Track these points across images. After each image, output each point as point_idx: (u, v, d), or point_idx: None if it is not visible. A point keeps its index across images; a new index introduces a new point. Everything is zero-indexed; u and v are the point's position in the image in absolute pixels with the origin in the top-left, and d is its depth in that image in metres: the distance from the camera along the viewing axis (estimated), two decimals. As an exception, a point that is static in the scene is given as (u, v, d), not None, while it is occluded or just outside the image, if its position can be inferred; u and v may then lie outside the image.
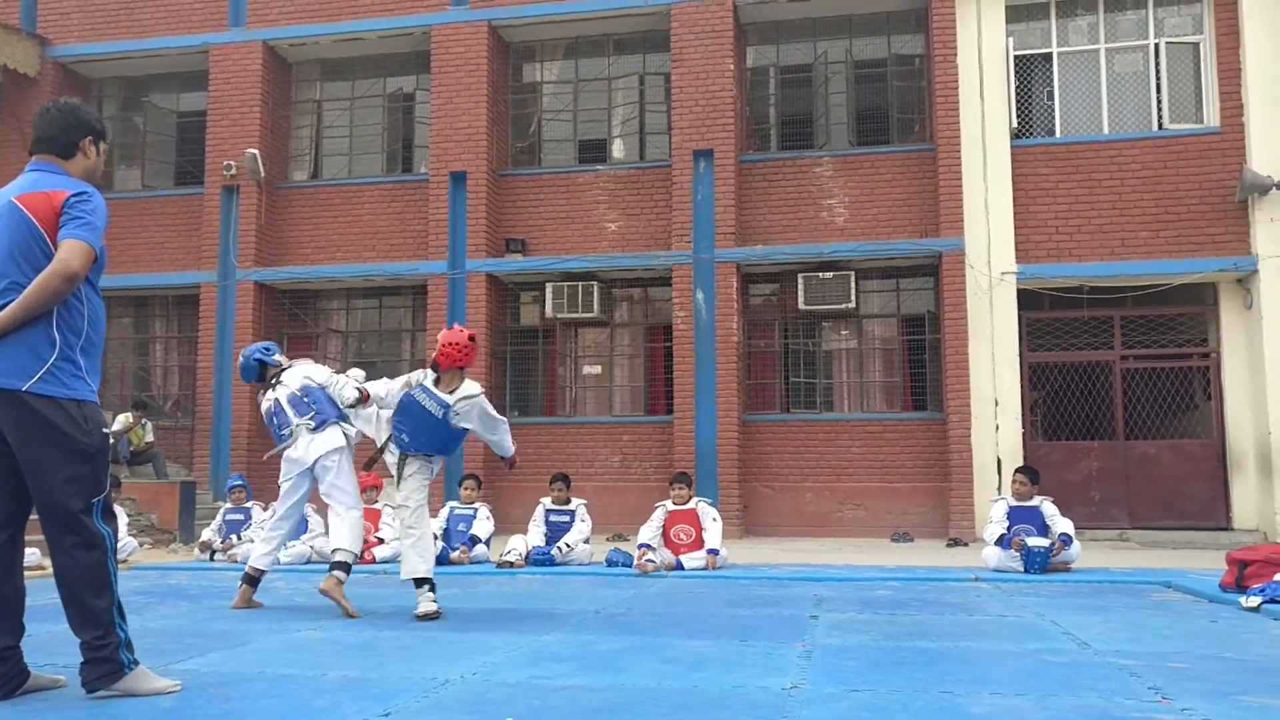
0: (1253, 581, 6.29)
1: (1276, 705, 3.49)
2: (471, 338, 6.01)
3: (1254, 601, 5.97)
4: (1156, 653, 4.59)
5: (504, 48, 14.65)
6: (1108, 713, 3.36)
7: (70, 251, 3.43)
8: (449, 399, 5.93)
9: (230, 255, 14.44)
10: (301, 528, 9.59)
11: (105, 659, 3.49)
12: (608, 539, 11.85)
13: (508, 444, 6.31)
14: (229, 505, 10.24)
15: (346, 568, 6.07)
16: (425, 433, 5.99)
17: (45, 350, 3.46)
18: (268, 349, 6.71)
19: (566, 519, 9.23)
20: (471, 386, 6.06)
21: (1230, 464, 12.29)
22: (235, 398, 14.09)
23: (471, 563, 9.00)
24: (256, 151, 14.27)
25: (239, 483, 10.43)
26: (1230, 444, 12.31)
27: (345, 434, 6.37)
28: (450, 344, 5.96)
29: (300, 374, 6.54)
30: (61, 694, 3.61)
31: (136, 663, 3.58)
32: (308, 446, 6.25)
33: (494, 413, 6.16)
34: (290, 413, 6.32)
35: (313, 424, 6.28)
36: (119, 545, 9.38)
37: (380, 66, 15.15)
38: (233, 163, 14.41)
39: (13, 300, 3.43)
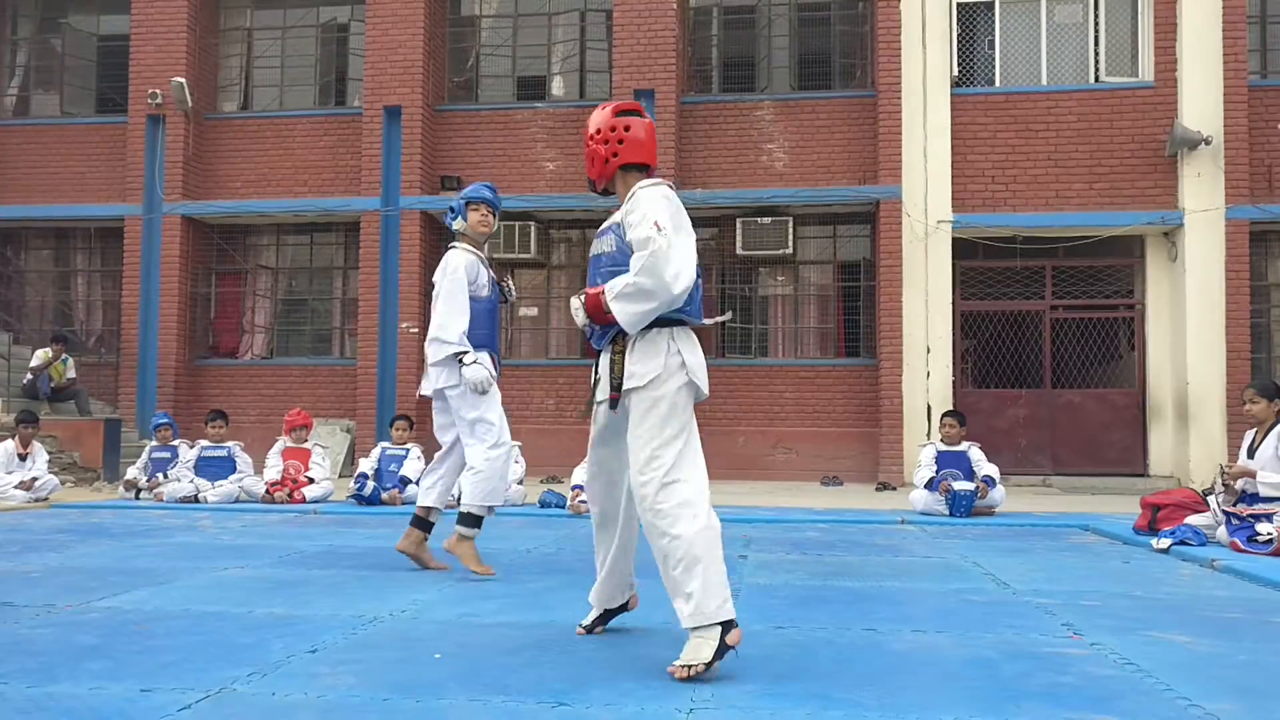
0: (1164, 524, 6.56)
1: (1177, 639, 3.63)
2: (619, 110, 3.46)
3: (1164, 543, 6.21)
4: (1071, 591, 4.74)
5: (442, -21, 14.25)
6: (1022, 648, 3.46)
7: None
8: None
9: (156, 187, 13.97)
10: (231, 468, 9.46)
11: None
12: (541, 481, 11.87)
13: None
14: (155, 443, 10.03)
15: None
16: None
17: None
18: None
19: (501, 460, 9.19)
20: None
21: (1149, 413, 12.68)
22: (161, 334, 13.75)
23: (403, 504, 8.94)
24: (183, 80, 13.76)
25: (165, 421, 10.22)
26: (1150, 393, 12.68)
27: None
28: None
29: None
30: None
31: None
32: None
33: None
34: None
35: None
36: (39, 483, 9.22)
37: (313, -6, 14.66)
38: (158, 91, 13.88)
39: None
